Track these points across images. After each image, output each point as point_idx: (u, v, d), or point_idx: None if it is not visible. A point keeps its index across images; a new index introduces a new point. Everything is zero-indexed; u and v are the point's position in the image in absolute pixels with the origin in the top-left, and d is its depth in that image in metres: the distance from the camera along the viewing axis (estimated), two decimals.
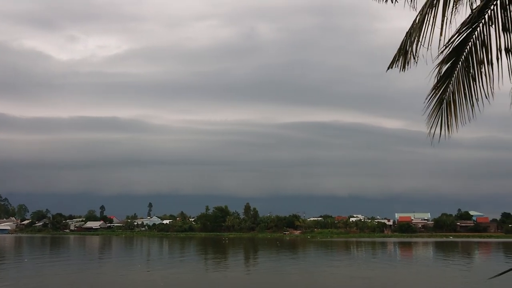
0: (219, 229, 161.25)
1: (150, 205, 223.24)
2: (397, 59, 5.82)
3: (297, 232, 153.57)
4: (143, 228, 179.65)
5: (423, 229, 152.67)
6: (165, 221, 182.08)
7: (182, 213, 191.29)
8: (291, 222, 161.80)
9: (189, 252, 74.75)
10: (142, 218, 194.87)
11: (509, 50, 5.41)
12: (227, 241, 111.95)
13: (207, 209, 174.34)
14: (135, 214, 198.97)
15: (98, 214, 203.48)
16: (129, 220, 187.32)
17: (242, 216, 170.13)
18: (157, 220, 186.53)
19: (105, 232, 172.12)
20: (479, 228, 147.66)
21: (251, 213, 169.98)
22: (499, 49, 5.56)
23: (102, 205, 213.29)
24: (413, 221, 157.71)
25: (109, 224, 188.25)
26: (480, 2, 5.30)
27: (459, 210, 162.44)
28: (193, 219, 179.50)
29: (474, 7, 5.39)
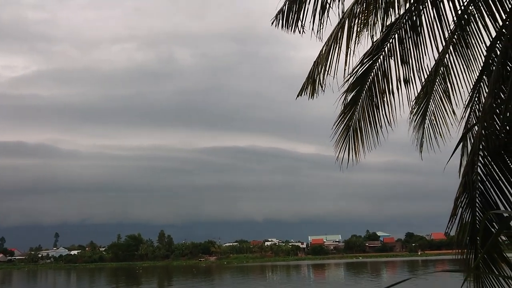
0: (132, 259, 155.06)
1: (57, 235, 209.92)
2: (306, 87, 6.00)
3: (212, 258, 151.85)
4: (49, 260, 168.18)
5: (334, 251, 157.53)
6: (73, 252, 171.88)
7: (92, 242, 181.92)
8: (207, 248, 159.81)
9: (99, 284, 70.92)
10: (48, 250, 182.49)
11: (407, 81, 5.78)
12: (140, 271, 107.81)
13: (118, 237, 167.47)
14: (39, 245, 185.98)
15: None
16: (32, 252, 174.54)
17: (156, 244, 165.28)
18: (64, 251, 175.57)
19: (5, 266, 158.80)
20: (386, 248, 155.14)
21: (166, 240, 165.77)
22: (398, 80, 5.93)
23: (2, 237, 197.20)
24: (325, 243, 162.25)
25: (9, 257, 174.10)
26: (380, 36, 5.64)
27: (368, 231, 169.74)
28: (103, 249, 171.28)
29: (375, 40, 5.72)
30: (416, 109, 6.82)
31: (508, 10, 4.73)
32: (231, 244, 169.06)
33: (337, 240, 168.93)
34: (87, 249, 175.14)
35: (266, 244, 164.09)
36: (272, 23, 5.39)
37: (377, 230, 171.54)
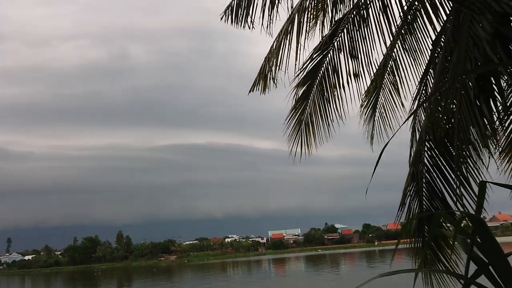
0: (89, 261, 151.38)
1: (9, 240, 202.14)
2: (258, 82, 6.01)
3: (173, 257, 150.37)
4: (1, 267, 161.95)
5: (294, 245, 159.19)
6: (27, 257, 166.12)
7: (46, 246, 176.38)
8: (167, 247, 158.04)
9: None
10: (0, 256, 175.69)
11: (357, 75, 5.88)
12: (99, 273, 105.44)
13: (75, 240, 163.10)
14: None
15: None
16: None
17: (114, 245, 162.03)
18: (17, 257, 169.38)
19: None
20: (344, 239, 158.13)
21: (124, 241, 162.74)
22: (348, 74, 6.03)
23: None
24: (285, 238, 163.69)
25: None
26: (329, 30, 5.71)
27: (326, 224, 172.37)
28: (59, 253, 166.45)
29: (324, 35, 5.78)
30: (366, 102, 6.96)
31: (449, 4, 4.88)
32: (192, 242, 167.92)
33: (297, 234, 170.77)
34: (41, 253, 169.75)
35: (226, 241, 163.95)
36: (221, 19, 5.36)
37: (336, 223, 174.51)
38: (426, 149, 5.21)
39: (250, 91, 6.15)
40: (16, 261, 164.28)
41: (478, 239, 1.88)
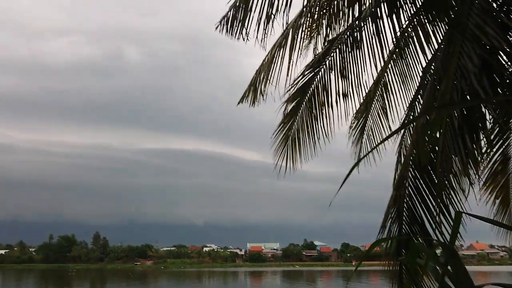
0: (64, 260, 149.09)
1: None
2: (247, 95, 6.03)
3: (149, 263, 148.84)
4: None
5: (272, 259, 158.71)
6: (0, 251, 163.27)
7: (21, 242, 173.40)
8: (144, 252, 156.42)
9: (27, 287, 67.71)
10: None
11: (346, 95, 5.93)
12: (73, 273, 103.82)
13: (50, 237, 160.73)
14: None
15: None
16: None
17: (90, 246, 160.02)
18: None
19: None
20: (322, 257, 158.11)
21: (101, 242, 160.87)
22: (338, 93, 6.07)
23: None
24: (263, 251, 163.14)
25: None
26: (322, 49, 5.76)
27: (305, 240, 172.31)
28: (34, 249, 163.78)
29: (317, 53, 5.83)
30: (355, 124, 7.02)
31: (441, 34, 4.96)
32: (169, 248, 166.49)
33: (275, 248, 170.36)
34: (15, 249, 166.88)
35: (204, 250, 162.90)
36: (216, 28, 5.38)
37: (315, 239, 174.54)
38: (409, 174, 5.26)
39: (239, 103, 6.16)
40: None
41: (450, 269, 1.89)
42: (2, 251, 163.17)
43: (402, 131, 5.97)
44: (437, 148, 4.50)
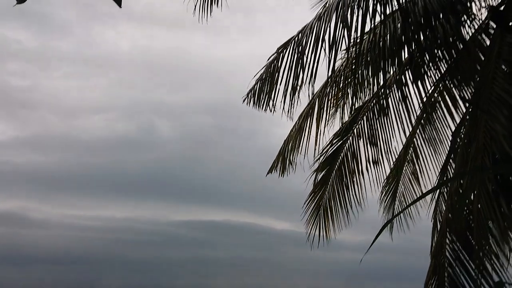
0: None
1: None
2: (276, 165, 6.05)
3: None
4: None
5: None
6: None
7: None
8: None
9: None
10: None
11: (376, 162, 5.89)
12: None
13: None
14: None
15: None
16: None
17: None
18: None
19: None
20: None
21: None
22: (367, 160, 6.04)
23: None
24: None
25: None
26: (349, 117, 5.81)
27: None
28: None
29: (344, 121, 5.88)
30: (386, 190, 6.89)
31: (468, 98, 4.95)
32: None
33: None
34: None
35: None
36: (244, 101, 5.52)
37: None
38: (447, 241, 5.06)
39: (268, 173, 6.18)
40: None
41: None
42: None
43: (436, 196, 5.83)
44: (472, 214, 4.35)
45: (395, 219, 6.76)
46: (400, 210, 6.80)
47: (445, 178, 5.89)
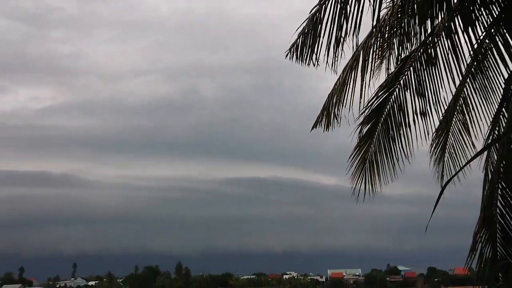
0: None
1: (75, 265, 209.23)
2: (321, 120, 6.00)
3: None
4: None
5: (355, 285, 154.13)
6: (90, 283, 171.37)
7: (109, 273, 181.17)
8: (224, 281, 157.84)
9: None
10: (66, 280, 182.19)
11: (424, 113, 5.74)
12: None
13: (136, 269, 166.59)
14: (57, 275, 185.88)
15: (16, 277, 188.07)
16: (50, 283, 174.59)
17: (173, 276, 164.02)
18: (81, 282, 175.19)
19: None
20: (408, 283, 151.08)
21: (183, 272, 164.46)
22: (415, 112, 5.89)
23: (22, 267, 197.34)
24: (345, 277, 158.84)
25: (28, 287, 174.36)
26: (395, 68, 5.64)
27: (388, 265, 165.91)
28: (121, 280, 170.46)
29: (390, 72, 5.72)
30: (435, 143, 6.75)
31: None
32: (249, 277, 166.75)
33: (357, 274, 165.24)
34: (104, 280, 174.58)
35: (284, 278, 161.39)
36: (286, 56, 5.44)
37: (398, 264, 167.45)
38: (499, 192, 4.94)
39: (313, 128, 6.14)
40: (81, 286, 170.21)
41: None
42: (93, 282, 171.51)
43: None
44: None
45: (445, 172, 6.65)
46: (450, 162, 6.65)
47: (496, 129, 5.70)
